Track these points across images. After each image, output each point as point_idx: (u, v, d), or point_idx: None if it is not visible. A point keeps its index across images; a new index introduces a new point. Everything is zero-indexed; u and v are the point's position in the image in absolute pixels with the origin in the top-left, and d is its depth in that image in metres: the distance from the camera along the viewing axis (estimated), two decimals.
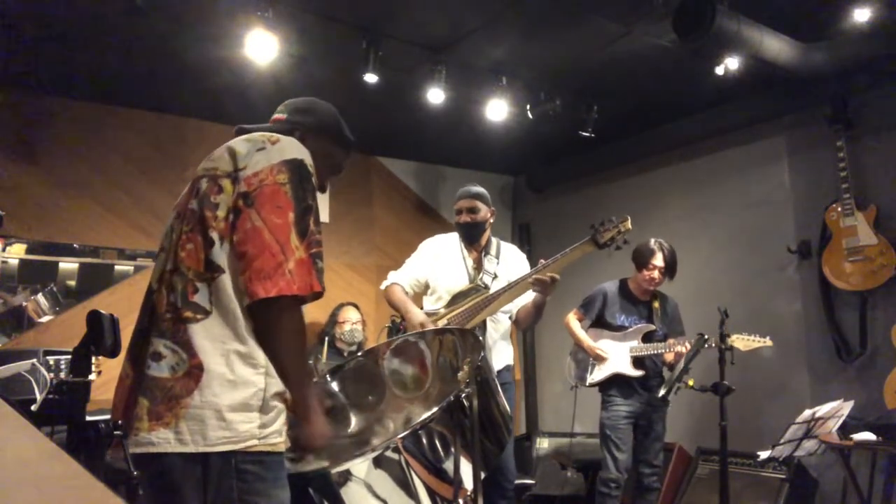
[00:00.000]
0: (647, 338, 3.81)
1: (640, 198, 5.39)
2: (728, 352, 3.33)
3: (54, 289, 4.53)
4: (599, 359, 3.85)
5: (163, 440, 1.39)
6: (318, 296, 1.51)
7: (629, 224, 2.92)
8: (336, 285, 5.28)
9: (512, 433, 2.68)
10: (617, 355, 3.83)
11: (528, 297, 3.10)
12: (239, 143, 1.58)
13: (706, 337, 3.39)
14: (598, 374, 3.88)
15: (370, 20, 3.66)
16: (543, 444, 5.18)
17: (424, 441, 1.71)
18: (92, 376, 2.97)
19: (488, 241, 3.26)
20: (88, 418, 3.21)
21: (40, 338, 4.25)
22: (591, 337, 3.94)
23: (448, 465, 1.73)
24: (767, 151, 4.69)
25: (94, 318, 2.79)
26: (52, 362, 3.33)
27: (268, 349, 1.50)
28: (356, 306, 4.85)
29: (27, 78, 4.26)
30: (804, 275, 4.42)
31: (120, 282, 4.67)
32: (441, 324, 2.99)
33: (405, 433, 1.67)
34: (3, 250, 4.33)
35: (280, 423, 1.52)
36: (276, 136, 1.60)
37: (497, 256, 3.23)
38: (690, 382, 3.35)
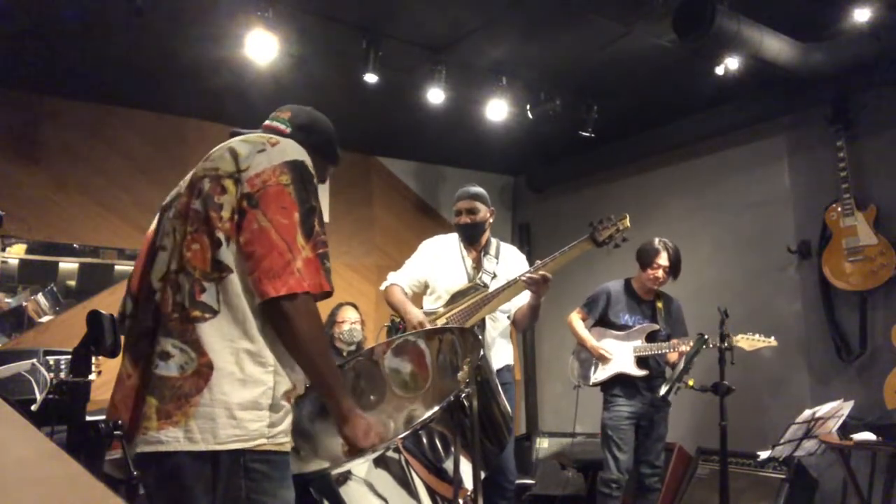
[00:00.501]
0: (651, 338, 3.80)
1: (640, 198, 5.39)
2: (728, 352, 3.33)
3: (54, 289, 4.53)
4: (603, 359, 3.85)
5: (172, 438, 1.40)
6: (326, 295, 1.52)
7: (627, 222, 2.92)
8: (336, 285, 5.21)
9: (512, 433, 2.68)
10: (620, 355, 3.82)
11: (526, 297, 3.10)
12: (239, 144, 1.58)
13: (706, 337, 3.39)
14: (601, 373, 3.88)
15: (370, 20, 3.66)
16: (543, 444, 5.18)
17: (425, 440, 1.71)
18: (92, 376, 2.97)
19: (487, 241, 3.26)
20: (88, 418, 3.21)
21: (40, 338, 4.25)
22: (594, 336, 3.93)
23: (448, 465, 1.73)
24: (767, 151, 4.69)
25: (94, 318, 2.79)
26: (52, 362, 3.33)
27: (289, 351, 1.51)
28: (355, 306, 4.86)
29: (27, 78, 4.26)
30: (804, 275, 4.42)
31: (120, 282, 4.66)
32: (440, 323, 2.99)
33: (406, 433, 1.67)
34: (3, 250, 4.33)
35: (288, 423, 1.53)
36: (274, 137, 1.61)
37: (496, 256, 3.23)
38: (690, 382, 3.35)
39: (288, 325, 1.46)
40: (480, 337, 2.62)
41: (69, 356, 3.01)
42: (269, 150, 1.55)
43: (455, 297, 3.11)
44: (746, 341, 3.53)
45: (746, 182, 4.81)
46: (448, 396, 1.74)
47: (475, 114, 4.59)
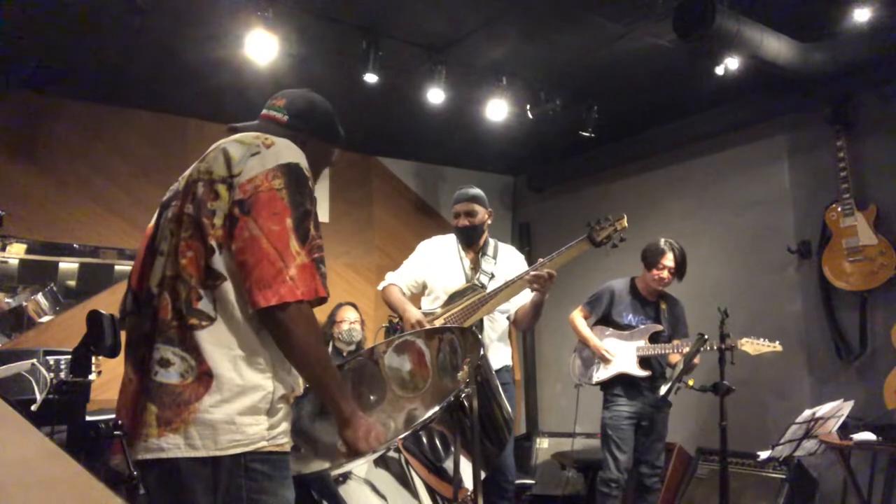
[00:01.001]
0: (654, 338, 3.80)
1: (640, 198, 5.39)
2: (728, 352, 3.32)
3: (54, 289, 4.53)
4: (604, 359, 3.84)
5: (172, 445, 1.40)
6: (322, 301, 1.49)
7: (625, 222, 2.92)
8: (336, 285, 5.28)
9: (512, 433, 2.68)
10: (623, 355, 3.81)
11: (526, 297, 3.10)
12: (233, 147, 1.54)
13: (706, 337, 3.39)
14: (603, 372, 3.87)
15: (370, 20, 3.66)
16: (543, 444, 5.18)
17: (425, 440, 1.71)
18: (92, 376, 2.98)
19: (485, 242, 3.26)
20: (88, 418, 3.22)
21: (40, 338, 4.25)
22: (596, 335, 3.92)
23: (448, 465, 1.73)
24: (767, 151, 4.69)
25: (94, 318, 2.79)
26: (52, 362, 3.33)
27: (287, 358, 1.51)
28: (354, 306, 4.87)
29: (27, 78, 4.26)
30: (804, 275, 4.42)
31: (120, 282, 4.66)
32: (438, 323, 2.98)
33: (406, 433, 1.67)
34: (3, 250, 4.33)
35: (287, 423, 1.53)
36: (270, 138, 1.56)
37: (494, 257, 3.23)
38: (690, 382, 3.35)
39: (283, 334, 1.45)
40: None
41: (69, 356, 3.01)
42: (262, 153, 1.51)
43: (453, 298, 3.11)
44: (751, 346, 3.50)
45: (746, 182, 4.80)
46: (448, 396, 1.74)
47: (475, 114, 4.58)
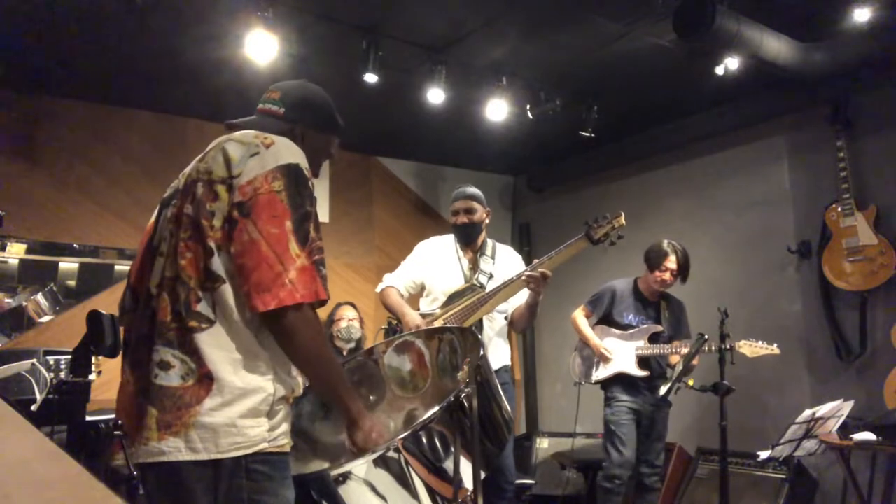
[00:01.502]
0: (654, 339, 3.80)
1: (640, 198, 5.39)
2: (728, 352, 3.32)
3: (54, 289, 4.53)
4: (604, 358, 3.85)
5: (173, 448, 1.39)
6: (322, 303, 1.49)
7: (623, 220, 2.92)
8: (336, 285, 5.28)
9: (512, 433, 2.67)
10: (622, 354, 3.82)
11: (524, 296, 3.10)
12: (233, 147, 1.53)
13: (706, 338, 3.39)
14: (602, 371, 3.88)
15: (370, 20, 3.66)
16: (543, 444, 5.17)
17: (425, 440, 1.71)
18: (92, 376, 2.98)
19: (483, 242, 3.26)
20: (88, 418, 3.22)
21: (40, 338, 4.25)
22: (597, 334, 3.93)
23: (448, 465, 1.73)
24: (767, 151, 4.69)
25: (94, 318, 2.79)
26: (52, 362, 3.33)
27: (292, 361, 1.51)
28: (353, 305, 4.88)
29: (28, 78, 4.26)
30: (804, 275, 4.42)
31: (120, 282, 4.66)
32: (437, 324, 2.98)
33: (406, 433, 1.67)
34: (3, 250, 4.33)
35: (287, 424, 1.53)
36: (269, 137, 1.55)
37: (493, 257, 3.23)
38: (690, 382, 3.35)
39: (286, 339, 1.45)
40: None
41: (69, 356, 3.01)
42: (262, 154, 1.49)
43: (452, 299, 3.11)
44: (749, 348, 3.51)
45: (746, 182, 4.80)
46: (448, 396, 1.74)
47: (475, 114, 4.58)
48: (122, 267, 4.76)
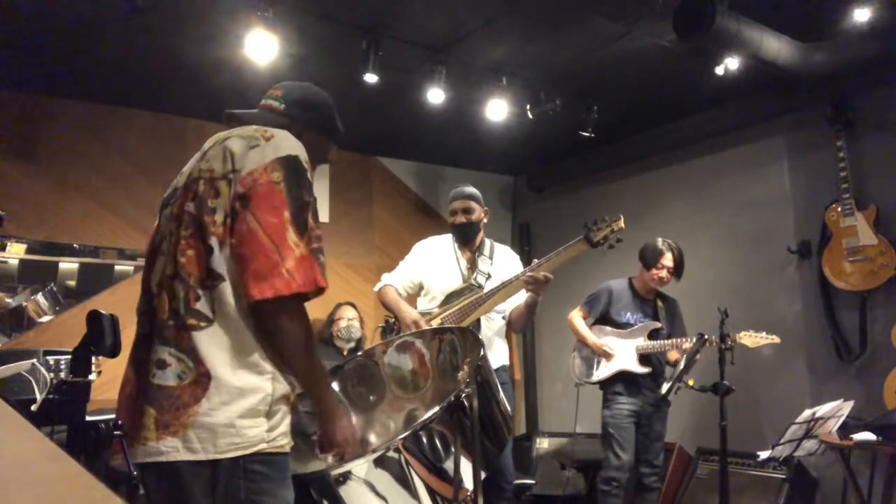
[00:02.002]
0: (653, 336, 3.81)
1: (640, 198, 5.39)
2: (728, 352, 3.33)
3: (54, 289, 4.53)
4: (606, 356, 3.85)
5: (171, 448, 1.39)
6: (320, 291, 1.49)
7: (622, 223, 2.92)
8: (336, 285, 5.28)
9: (512, 433, 2.68)
10: (623, 352, 3.82)
11: (522, 297, 3.10)
12: (233, 142, 1.54)
13: (706, 337, 3.40)
14: (603, 370, 3.88)
15: (370, 20, 3.66)
16: (543, 444, 5.17)
17: (424, 440, 1.71)
18: (92, 376, 2.98)
19: (481, 242, 3.26)
20: (88, 418, 3.22)
21: (40, 338, 4.25)
22: (595, 334, 3.93)
23: (448, 465, 1.73)
24: (767, 151, 4.69)
25: (94, 318, 2.79)
26: (52, 362, 3.33)
27: (277, 350, 1.50)
28: (352, 305, 4.88)
29: (28, 78, 4.26)
30: (804, 275, 4.42)
31: (120, 282, 4.67)
32: (435, 323, 2.98)
33: (406, 433, 1.67)
34: (3, 250, 4.33)
35: (286, 424, 1.52)
36: (269, 131, 1.56)
37: (491, 257, 3.23)
38: (690, 382, 3.36)
39: (275, 326, 1.46)
40: None
41: (69, 356, 3.01)
42: (262, 146, 1.51)
43: (450, 298, 3.11)
44: (750, 338, 3.55)
45: (746, 182, 4.80)
46: (448, 396, 1.74)
47: (475, 114, 4.58)
48: (122, 267, 4.76)
